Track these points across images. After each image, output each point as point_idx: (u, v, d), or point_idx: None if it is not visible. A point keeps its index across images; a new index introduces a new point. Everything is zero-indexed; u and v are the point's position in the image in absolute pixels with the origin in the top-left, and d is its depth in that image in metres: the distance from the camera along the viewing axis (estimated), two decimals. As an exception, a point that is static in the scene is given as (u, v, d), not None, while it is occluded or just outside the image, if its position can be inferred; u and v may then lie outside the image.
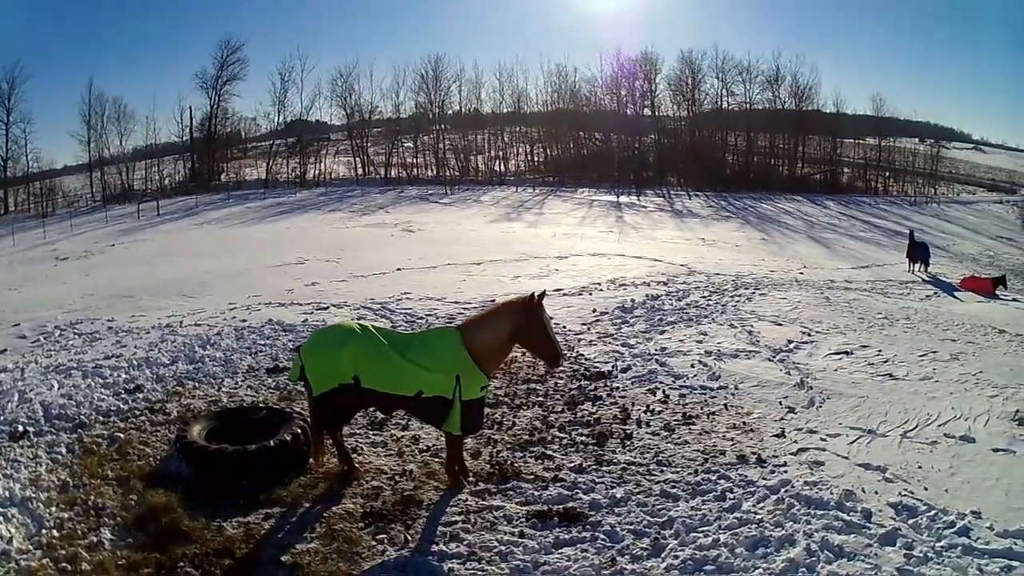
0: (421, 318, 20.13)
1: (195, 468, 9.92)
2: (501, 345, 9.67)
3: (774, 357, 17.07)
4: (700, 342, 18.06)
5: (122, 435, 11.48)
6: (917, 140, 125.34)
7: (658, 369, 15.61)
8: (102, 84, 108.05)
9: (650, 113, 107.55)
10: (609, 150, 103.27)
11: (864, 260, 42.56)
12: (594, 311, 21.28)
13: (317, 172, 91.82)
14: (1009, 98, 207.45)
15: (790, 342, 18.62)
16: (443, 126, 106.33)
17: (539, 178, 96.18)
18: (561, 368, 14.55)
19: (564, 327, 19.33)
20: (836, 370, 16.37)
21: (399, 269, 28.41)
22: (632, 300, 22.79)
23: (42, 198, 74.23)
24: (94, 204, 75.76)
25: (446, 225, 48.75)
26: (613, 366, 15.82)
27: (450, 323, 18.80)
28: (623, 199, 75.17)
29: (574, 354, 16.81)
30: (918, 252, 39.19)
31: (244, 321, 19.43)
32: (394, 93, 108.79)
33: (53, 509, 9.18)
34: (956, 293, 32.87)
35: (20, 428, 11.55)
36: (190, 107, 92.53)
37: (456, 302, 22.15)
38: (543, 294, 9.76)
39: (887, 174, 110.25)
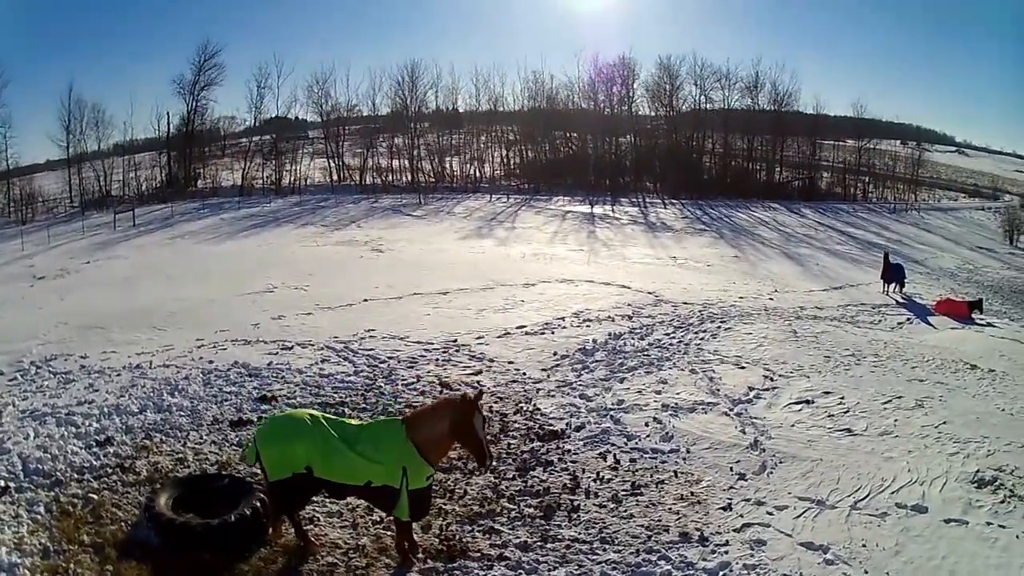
0: (383, 361, 20.32)
1: (163, 539, 10.43)
2: (442, 439, 10.12)
3: (731, 410, 17.38)
4: (659, 392, 18.35)
5: (95, 496, 12.02)
6: (899, 142, 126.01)
7: (611, 428, 15.90)
8: (81, 89, 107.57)
9: (627, 113, 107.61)
10: (585, 154, 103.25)
11: (838, 280, 42.65)
12: (555, 354, 21.51)
13: (293, 178, 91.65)
14: (993, 100, 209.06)
15: (751, 389, 18.95)
16: (420, 125, 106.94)
17: (514, 185, 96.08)
18: (516, 427, 15.19)
19: (524, 374, 19.68)
20: (793, 425, 16.70)
21: (365, 300, 28.49)
22: (594, 341, 22.99)
23: (22, 204, 73.98)
24: (72, 210, 75.61)
25: (416, 243, 48.63)
26: (567, 424, 16.11)
27: (412, 365, 19.71)
28: (597, 209, 75.17)
29: (531, 408, 17.15)
30: (893, 273, 39.45)
31: (211, 363, 19.65)
32: (370, 100, 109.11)
33: (38, 579, 9.79)
34: (930, 318, 33.31)
35: (1, 483, 12.15)
36: (167, 112, 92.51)
37: (419, 342, 22.35)
38: (480, 394, 10.28)
39: (867, 179, 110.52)
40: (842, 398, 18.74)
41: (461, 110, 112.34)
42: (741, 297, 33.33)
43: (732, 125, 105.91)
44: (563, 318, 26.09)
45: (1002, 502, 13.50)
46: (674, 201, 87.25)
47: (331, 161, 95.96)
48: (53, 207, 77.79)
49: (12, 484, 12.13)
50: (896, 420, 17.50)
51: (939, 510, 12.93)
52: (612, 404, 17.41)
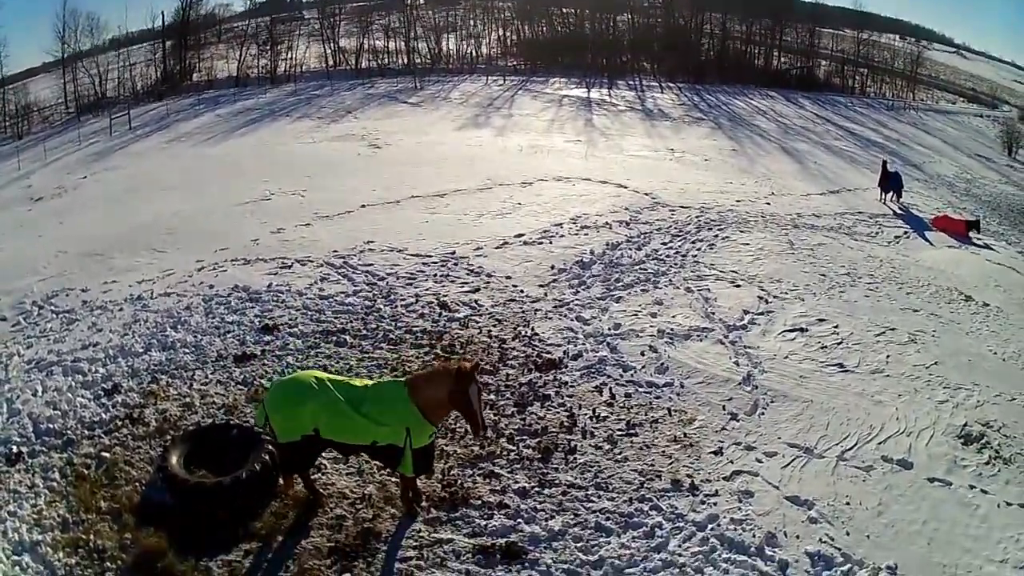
0: (382, 278, 20.33)
1: (177, 499, 10.63)
2: (441, 402, 10.25)
3: (726, 337, 17.55)
4: (654, 316, 18.48)
5: (108, 454, 12.19)
6: (898, 37, 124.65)
7: (608, 357, 16.07)
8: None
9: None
10: (582, 33, 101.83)
11: (835, 182, 42.30)
12: (552, 267, 21.56)
13: (288, 66, 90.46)
14: (995, 3, 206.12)
15: (745, 313, 19.10)
16: (417, 2, 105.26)
17: (511, 65, 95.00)
18: (514, 354, 15.67)
19: (522, 291, 19.77)
20: (787, 357, 16.90)
21: (363, 206, 28.23)
22: (591, 252, 23.03)
23: (17, 118, 72.90)
24: (68, 116, 74.60)
25: (412, 135, 47.82)
26: (565, 352, 16.24)
27: (411, 282, 19.96)
28: (594, 94, 74.14)
29: (529, 332, 17.29)
30: (891, 182, 38.92)
31: (211, 287, 19.66)
32: None
33: (60, 555, 10.06)
34: (927, 234, 33.10)
35: (15, 449, 12.30)
36: (162, 12, 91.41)
37: (417, 254, 22.29)
38: (475, 366, 10.33)
39: (865, 72, 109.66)
40: (836, 327, 18.89)
41: None
42: (738, 200, 32.95)
43: (731, 6, 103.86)
44: (561, 224, 25.96)
45: (987, 463, 13.73)
46: (671, 85, 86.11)
47: (326, 46, 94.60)
48: (48, 115, 76.82)
49: (25, 449, 12.31)
50: (888, 356, 17.65)
51: (924, 466, 13.14)
52: (608, 329, 17.54)
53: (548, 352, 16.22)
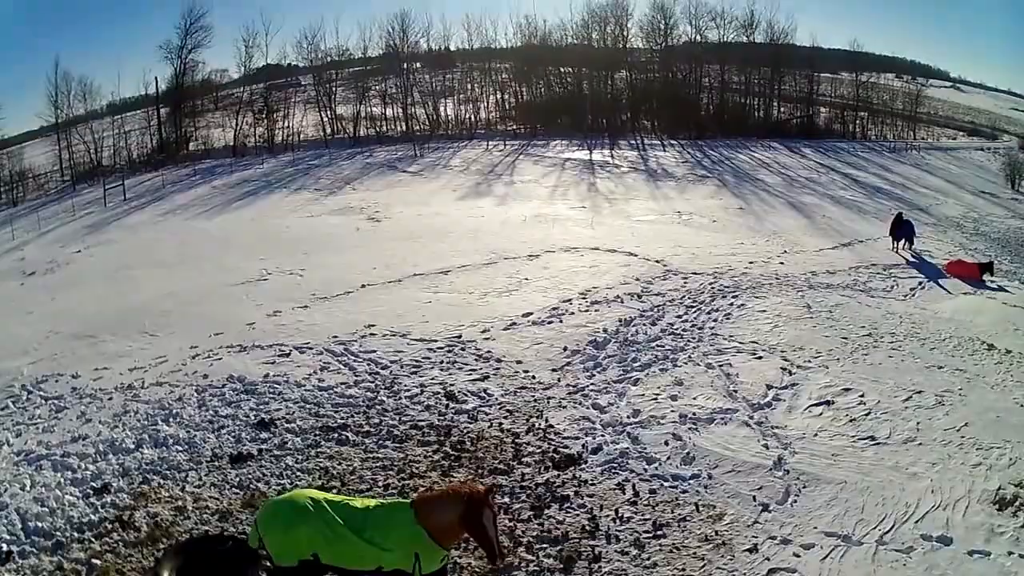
0: (385, 367, 19.72)
1: None
2: (452, 527, 9.44)
3: (751, 418, 16.83)
4: (675, 398, 17.77)
5: (98, 560, 11.66)
6: (894, 76, 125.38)
7: (629, 449, 15.33)
8: (68, 64, 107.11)
9: (622, 50, 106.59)
10: (581, 93, 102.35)
11: (846, 235, 41.92)
12: (564, 349, 20.91)
13: (285, 135, 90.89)
14: (989, 35, 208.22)
15: (769, 388, 18.42)
16: (414, 65, 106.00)
17: (510, 129, 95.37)
18: (529, 450, 15.04)
19: (534, 377, 19.09)
20: (816, 435, 16.16)
21: (363, 286, 27.73)
22: (604, 330, 22.41)
23: (12, 184, 73.40)
24: (63, 184, 75.04)
25: (413, 207, 47.72)
26: (583, 445, 15.52)
27: (416, 370, 19.19)
28: (596, 155, 74.21)
29: (543, 424, 16.55)
30: (903, 230, 38.68)
31: (205, 377, 19.12)
32: (360, 51, 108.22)
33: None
34: (942, 280, 32.72)
35: (5, 548, 11.91)
36: (155, 78, 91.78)
37: (421, 339, 21.66)
38: (490, 490, 9.53)
39: (865, 115, 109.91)
40: (862, 395, 18.18)
41: (453, 49, 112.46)
42: (751, 262, 32.45)
43: (729, 59, 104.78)
44: (570, 300, 25.38)
45: (1022, 526, 13.08)
46: (673, 142, 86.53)
47: (323, 113, 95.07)
48: (44, 182, 77.26)
49: (16, 548, 11.85)
50: (918, 423, 16.94)
51: (963, 539, 12.52)
52: (628, 416, 16.84)
53: (565, 446, 15.49)
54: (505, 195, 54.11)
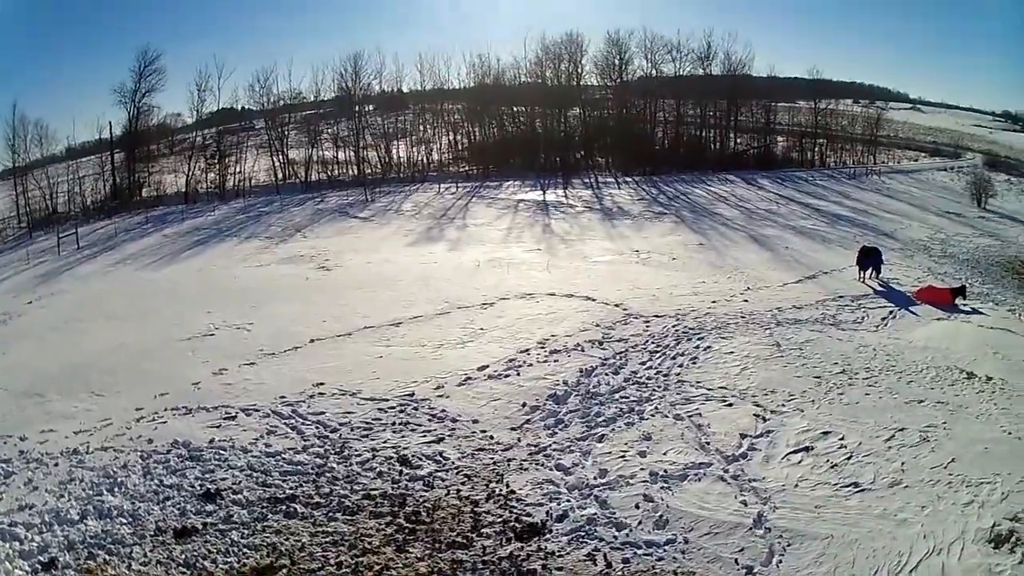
0: (334, 430, 19.00)
1: None
2: None
3: (727, 471, 16.28)
4: (644, 455, 17.16)
5: None
6: (851, 101, 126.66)
7: (598, 515, 14.68)
8: (24, 106, 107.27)
9: (575, 87, 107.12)
10: (534, 132, 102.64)
11: (811, 266, 41.52)
12: (523, 405, 20.24)
13: (237, 180, 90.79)
14: (944, 55, 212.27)
15: (743, 437, 17.89)
16: (366, 107, 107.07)
17: (463, 171, 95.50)
18: (489, 519, 14.36)
19: (492, 437, 18.45)
20: (796, 485, 15.65)
21: (312, 341, 27.02)
22: (564, 382, 21.78)
23: None
24: (20, 231, 75.02)
25: (363, 254, 47.21)
26: (547, 512, 14.86)
27: (367, 433, 18.64)
28: (550, 196, 74.18)
29: (504, 490, 15.88)
30: (870, 259, 38.42)
31: (150, 442, 18.48)
32: (312, 94, 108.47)
33: None
34: (913, 308, 32.46)
35: None
36: (109, 122, 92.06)
37: (372, 398, 20.95)
38: None
39: (824, 143, 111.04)
40: (842, 438, 17.77)
41: (405, 91, 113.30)
42: (714, 301, 32.03)
43: (684, 92, 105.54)
44: (528, 350, 24.78)
45: (1020, 563, 12.86)
46: (628, 179, 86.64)
47: (275, 158, 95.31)
48: (2, 229, 77.26)
49: None
50: (903, 463, 16.56)
51: None
52: (594, 477, 16.20)
53: (528, 514, 14.82)
54: (458, 240, 53.68)
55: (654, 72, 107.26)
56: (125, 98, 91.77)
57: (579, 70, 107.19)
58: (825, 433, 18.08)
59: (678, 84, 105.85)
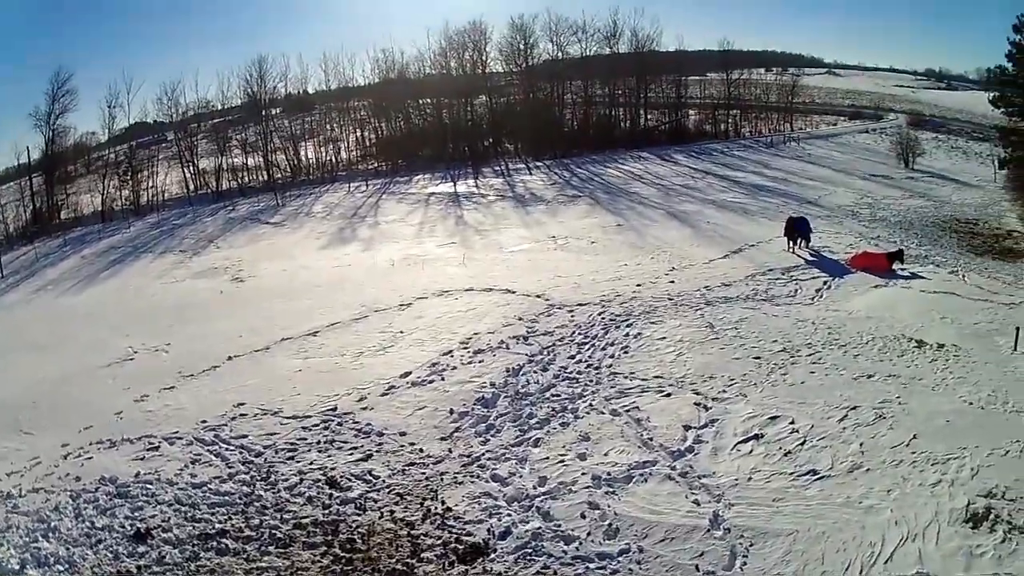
0: (259, 454, 18.13)
1: None
2: None
3: (674, 469, 15.64)
4: (583, 457, 16.45)
5: None
6: (764, 70, 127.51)
7: (543, 529, 13.93)
8: None
9: (481, 75, 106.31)
10: (441, 123, 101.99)
11: (735, 240, 41.06)
12: (451, 412, 19.36)
13: (151, 195, 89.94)
14: (860, 18, 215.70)
15: (687, 429, 17.30)
16: (273, 111, 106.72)
17: (372, 168, 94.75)
18: (428, 542, 13.72)
19: (422, 450, 17.62)
20: (750, 478, 15.07)
21: (230, 358, 25.96)
22: (491, 383, 20.93)
23: None
24: None
25: (277, 261, 46.25)
26: (489, 529, 14.09)
27: (292, 454, 17.88)
28: (460, 187, 73.22)
29: (440, 507, 15.09)
30: (797, 227, 37.95)
31: (78, 480, 17.62)
32: (220, 102, 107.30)
33: None
34: (848, 276, 32.18)
35: None
36: (27, 147, 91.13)
37: (295, 416, 20.03)
38: None
39: (737, 112, 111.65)
40: (792, 422, 17.25)
41: (311, 91, 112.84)
42: (639, 284, 31.38)
43: (592, 72, 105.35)
44: (451, 352, 23.91)
45: (1003, 541, 12.49)
46: (538, 164, 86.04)
47: (186, 169, 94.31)
48: None
49: None
50: (862, 444, 16.08)
51: (942, 571, 11.90)
52: (534, 487, 15.44)
53: (468, 533, 14.03)
54: (371, 239, 52.70)
55: (560, 55, 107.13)
56: (40, 121, 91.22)
57: (484, 58, 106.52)
58: (773, 418, 17.54)
59: (585, 65, 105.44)
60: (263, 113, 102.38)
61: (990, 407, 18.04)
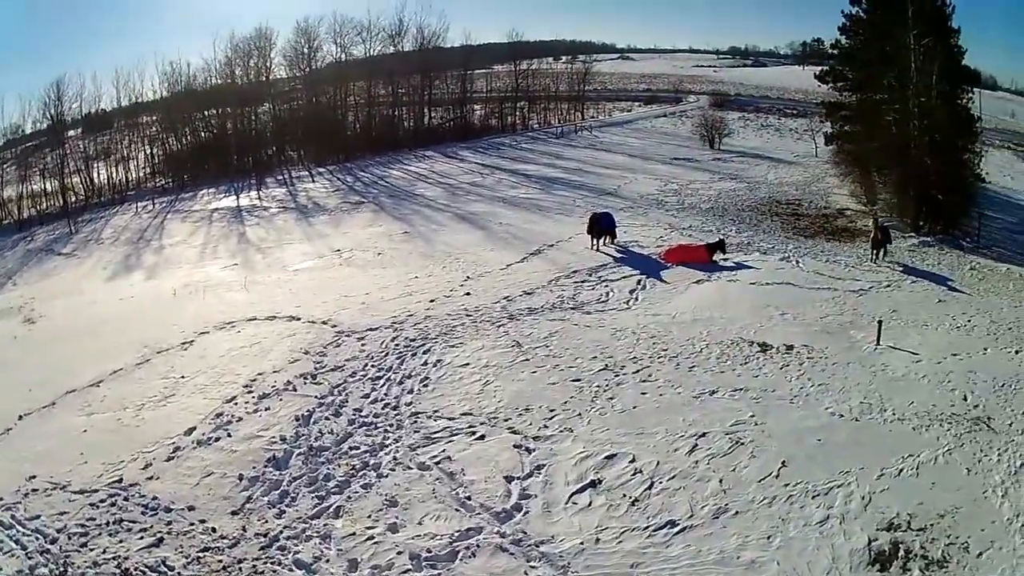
0: (53, 540, 15.35)
1: None
2: None
3: (504, 536, 13.46)
4: (395, 529, 14.10)
5: None
6: (553, 59, 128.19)
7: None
8: None
9: (265, 83, 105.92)
10: (225, 135, 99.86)
11: (531, 241, 39.13)
12: (240, 479, 16.79)
13: None
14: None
15: (509, 481, 15.22)
16: (71, 132, 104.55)
17: (158, 186, 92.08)
18: None
19: (213, 530, 15.05)
20: (597, 539, 13.08)
21: (21, 417, 22.60)
22: (281, 438, 18.38)
23: None
24: None
25: (66, 297, 42.58)
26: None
27: (84, 540, 15.23)
28: (244, 200, 70.64)
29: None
30: (601, 223, 36.20)
31: None
32: (24, 127, 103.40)
33: None
34: (663, 273, 30.59)
35: None
36: None
37: (82, 491, 17.12)
38: None
39: (525, 105, 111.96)
40: (632, 460, 15.40)
41: (108, 109, 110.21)
42: (432, 300, 29.13)
43: (375, 73, 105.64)
44: (234, 398, 21.21)
45: None
46: (321, 170, 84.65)
47: None
48: None
49: None
50: (722, 480, 14.40)
51: None
52: (344, 574, 13.10)
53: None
54: (155, 265, 49.07)
55: (344, 56, 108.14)
56: None
57: (268, 64, 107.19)
58: (609, 457, 15.71)
59: (369, 65, 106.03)
60: (60, 136, 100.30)
61: (865, 417, 16.90)
